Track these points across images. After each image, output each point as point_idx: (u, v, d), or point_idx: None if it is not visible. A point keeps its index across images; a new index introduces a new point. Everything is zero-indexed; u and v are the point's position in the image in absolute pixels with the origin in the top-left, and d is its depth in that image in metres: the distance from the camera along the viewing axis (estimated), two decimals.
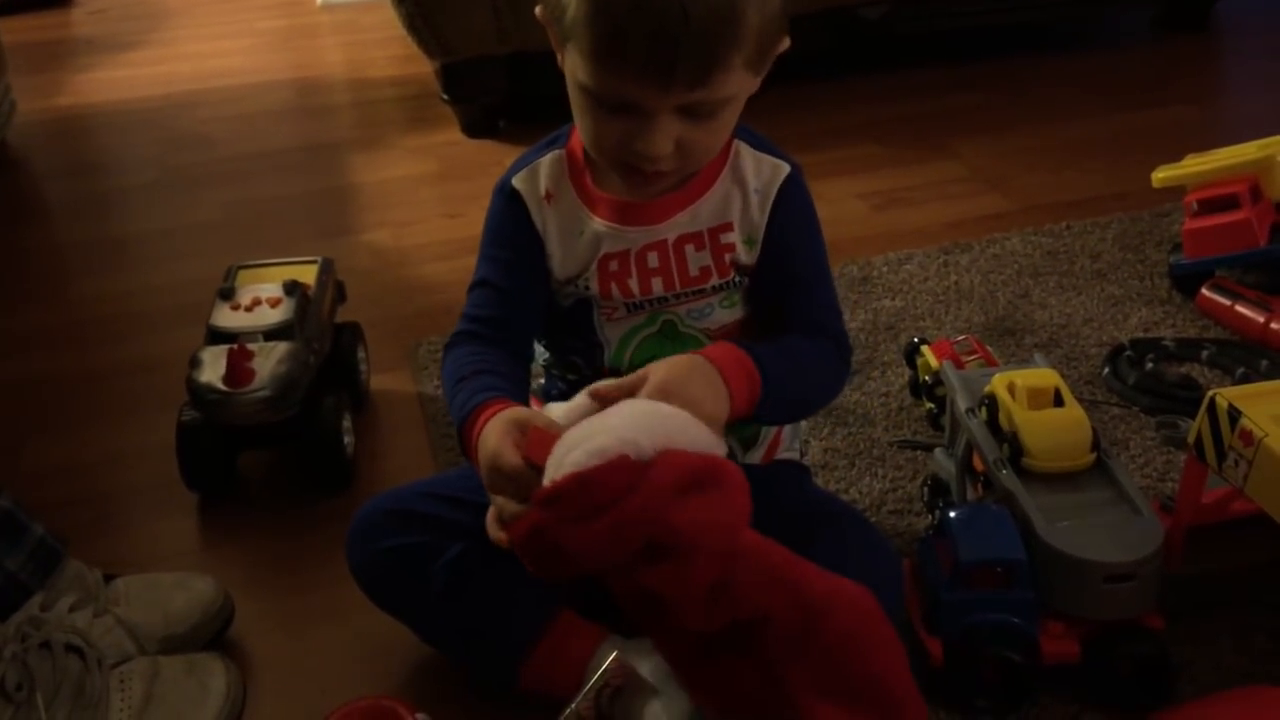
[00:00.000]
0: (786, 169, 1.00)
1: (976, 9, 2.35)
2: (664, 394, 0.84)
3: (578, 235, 1.01)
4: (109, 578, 1.10)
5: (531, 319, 1.04)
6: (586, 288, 1.01)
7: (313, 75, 2.74)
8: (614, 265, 1.00)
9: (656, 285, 1.00)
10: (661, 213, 0.99)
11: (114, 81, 2.70)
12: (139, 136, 2.40)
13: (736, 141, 1.00)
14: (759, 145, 1.01)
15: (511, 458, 0.83)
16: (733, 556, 0.78)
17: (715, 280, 1.00)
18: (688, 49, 0.82)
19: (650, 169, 0.92)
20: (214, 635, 1.10)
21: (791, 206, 1.00)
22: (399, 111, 2.46)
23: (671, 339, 1.02)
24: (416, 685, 1.06)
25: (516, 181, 1.02)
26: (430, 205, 2.01)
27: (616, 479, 0.76)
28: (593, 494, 0.76)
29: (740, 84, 0.89)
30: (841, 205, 1.89)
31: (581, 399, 0.87)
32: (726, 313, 1.02)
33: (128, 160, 2.31)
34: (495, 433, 0.86)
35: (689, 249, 1.00)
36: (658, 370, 0.87)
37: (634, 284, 1.00)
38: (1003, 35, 2.47)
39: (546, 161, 1.01)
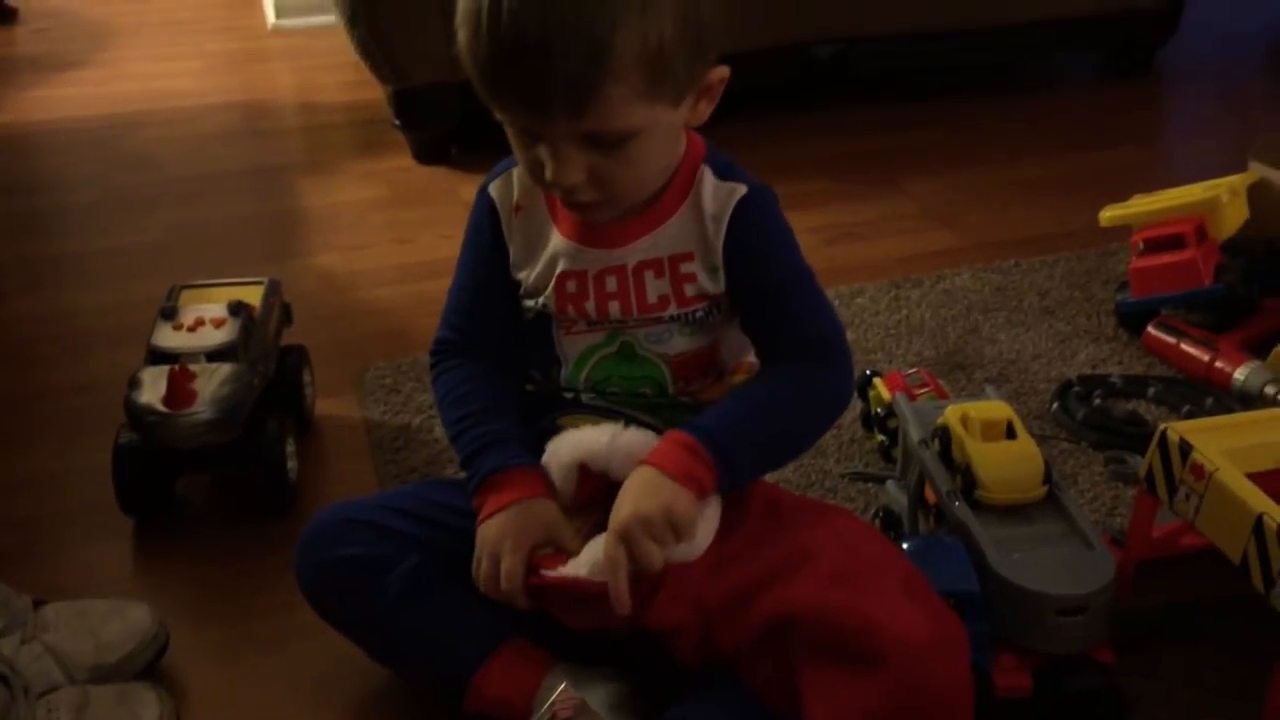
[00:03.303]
0: (742, 191, 0.98)
1: (927, 50, 2.38)
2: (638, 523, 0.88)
3: (542, 249, 1.00)
4: (38, 603, 1.07)
5: (505, 324, 1.04)
6: (545, 305, 1.00)
7: (262, 98, 2.71)
8: (571, 286, 0.99)
9: (614, 309, 0.99)
10: (622, 237, 0.98)
11: (57, 100, 2.65)
12: (82, 156, 2.35)
13: (703, 168, 0.98)
14: (725, 172, 0.99)
15: (519, 598, 0.92)
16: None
17: (674, 309, 0.99)
18: (556, 80, 0.83)
19: (567, 199, 0.92)
20: (147, 664, 1.07)
21: (747, 227, 0.97)
22: (349, 136, 2.43)
23: (629, 360, 1.01)
24: (357, 717, 1.03)
25: (493, 189, 1.02)
26: (380, 230, 1.98)
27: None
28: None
29: (646, 115, 0.87)
30: None
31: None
32: (686, 340, 1.00)
33: (70, 179, 2.26)
34: (510, 546, 0.92)
35: (648, 275, 0.98)
36: (623, 508, 0.89)
37: (590, 306, 0.99)
38: (953, 76, 2.50)
39: (520, 170, 1.00)
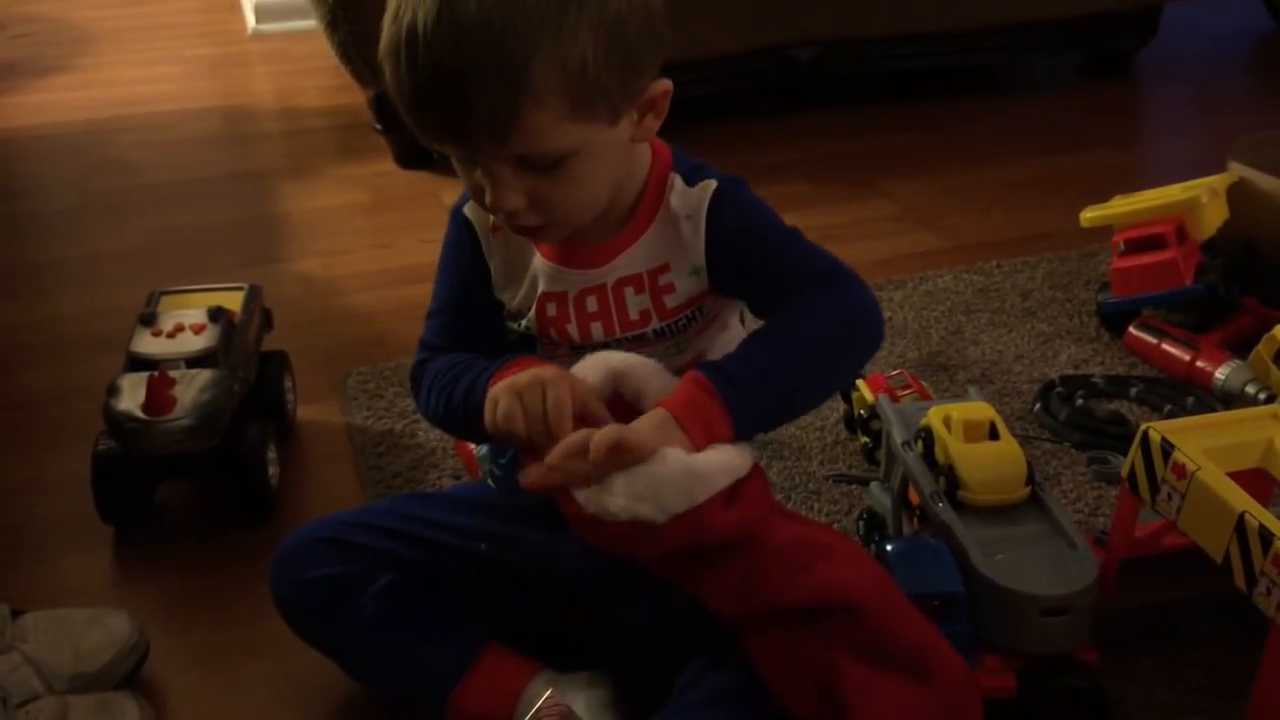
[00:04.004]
0: (712, 185, 0.96)
1: (907, 53, 2.39)
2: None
3: (523, 270, 0.99)
4: (16, 613, 1.06)
5: (490, 345, 1.02)
6: (529, 328, 1.00)
7: (242, 103, 2.70)
8: (552, 309, 0.98)
9: (596, 330, 0.98)
10: (601, 256, 0.97)
11: (36, 105, 2.64)
12: (60, 161, 2.34)
13: (672, 176, 0.97)
14: (692, 175, 0.98)
15: (598, 408, 0.88)
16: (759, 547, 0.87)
17: (655, 324, 0.98)
18: (477, 108, 0.82)
19: (512, 224, 0.92)
20: (127, 674, 1.06)
21: (728, 218, 0.96)
22: (330, 141, 2.43)
23: None
24: None
25: (468, 210, 1.01)
26: (361, 235, 1.97)
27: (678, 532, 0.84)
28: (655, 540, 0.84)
29: (577, 136, 0.86)
30: None
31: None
32: (671, 361, 0.99)
33: (48, 185, 2.25)
34: (552, 379, 0.87)
35: (628, 291, 0.98)
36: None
37: (573, 329, 0.98)
38: (933, 78, 2.51)
39: None
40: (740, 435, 0.88)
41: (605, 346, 0.98)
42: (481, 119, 0.83)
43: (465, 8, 0.80)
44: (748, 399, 0.88)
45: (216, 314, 1.30)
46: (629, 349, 0.97)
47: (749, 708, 0.89)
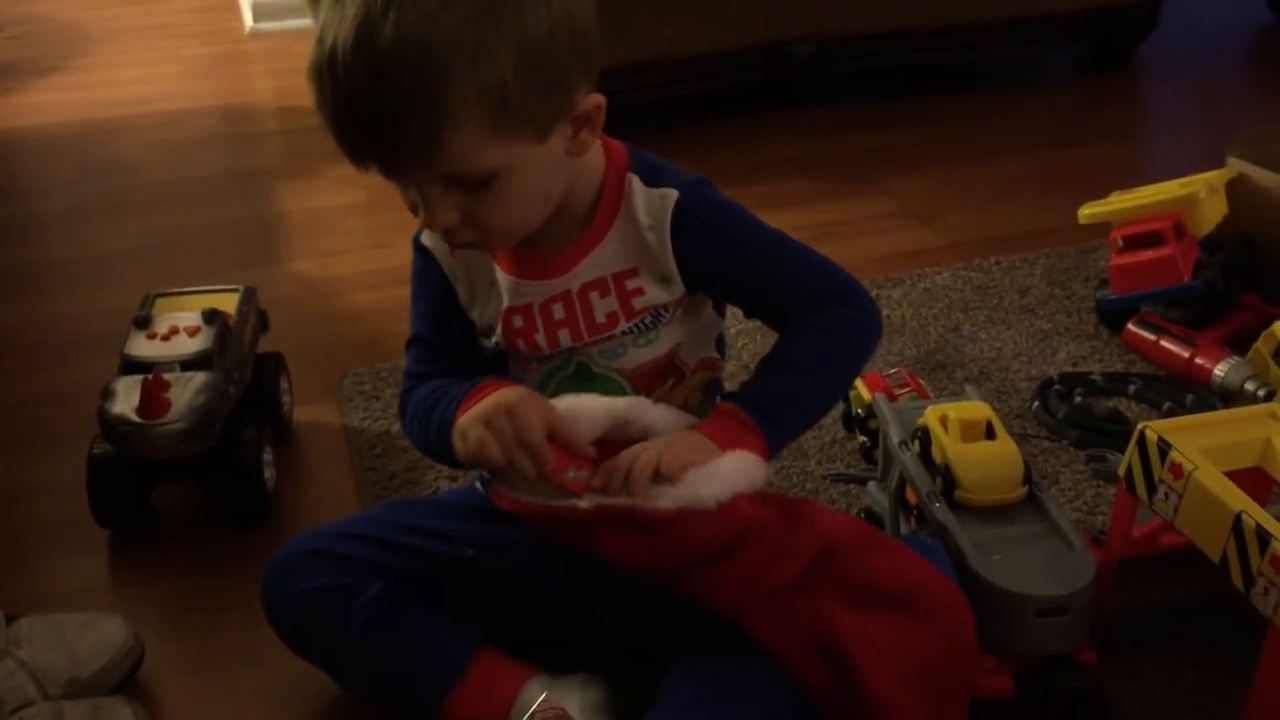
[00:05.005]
0: (674, 196, 0.95)
1: (905, 48, 2.38)
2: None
3: (489, 286, 1.00)
4: (11, 618, 1.05)
5: (471, 366, 1.02)
6: (498, 343, 1.00)
7: (240, 103, 2.70)
8: (518, 321, 0.98)
9: (564, 337, 0.98)
10: (561, 265, 0.97)
11: (32, 106, 2.64)
12: (57, 162, 2.33)
13: (629, 178, 0.97)
14: (651, 176, 0.97)
15: (562, 424, 0.91)
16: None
17: (624, 325, 0.98)
18: (396, 132, 0.82)
19: (449, 241, 0.93)
20: (122, 678, 1.06)
21: (693, 228, 0.95)
22: (327, 141, 2.36)
23: (587, 380, 1.00)
24: None
25: (425, 238, 1.01)
26: (358, 235, 1.97)
27: (715, 531, 0.88)
28: (693, 539, 0.88)
29: (503, 155, 0.86)
30: None
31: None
32: (641, 351, 0.99)
33: (44, 186, 2.25)
34: (524, 394, 0.91)
35: (594, 296, 0.97)
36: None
37: (541, 339, 0.98)
38: (931, 74, 2.50)
39: None
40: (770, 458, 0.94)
41: (573, 352, 0.99)
42: (402, 143, 0.83)
43: (381, 33, 0.80)
44: (776, 430, 0.94)
45: (211, 316, 1.30)
46: (600, 347, 0.99)
47: (734, 704, 0.89)
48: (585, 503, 0.88)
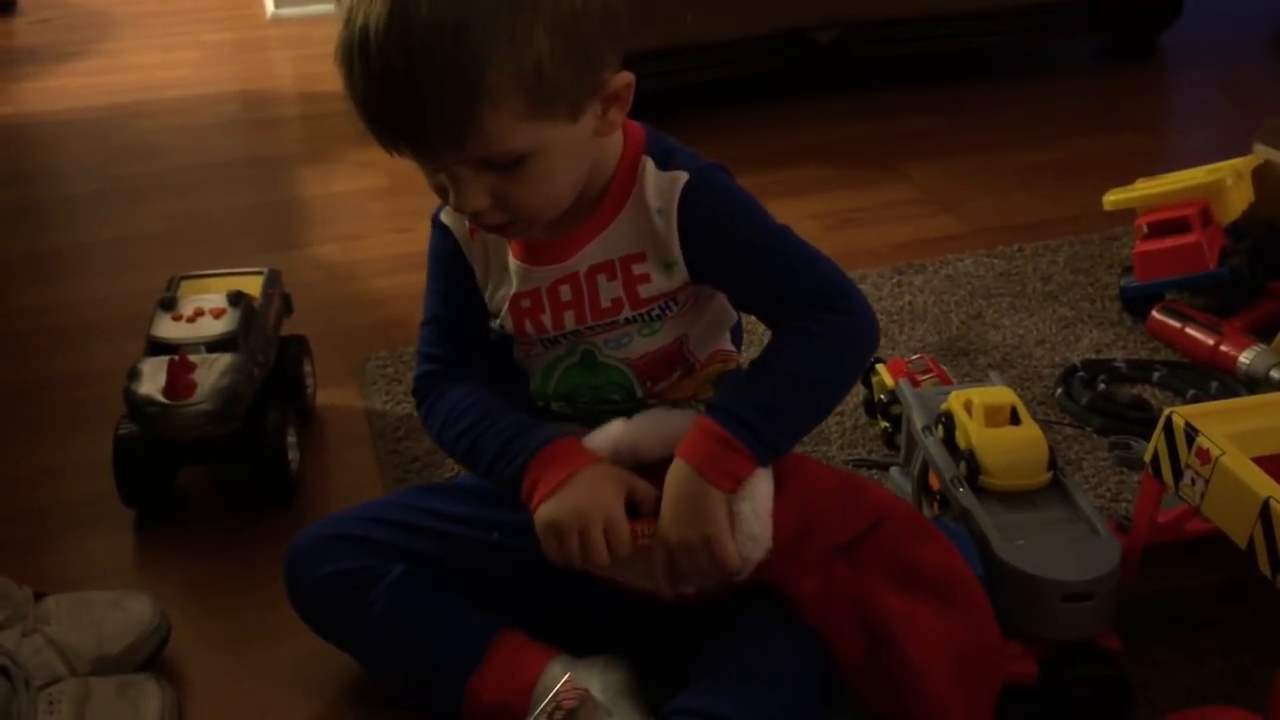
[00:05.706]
0: (684, 178, 0.94)
1: (927, 35, 2.37)
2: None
3: (501, 269, 0.99)
4: (39, 596, 1.06)
5: (488, 344, 1.02)
6: (503, 326, 1.00)
7: (261, 88, 2.71)
8: (525, 302, 0.98)
9: (569, 319, 0.98)
10: (569, 248, 0.96)
11: (56, 91, 2.65)
12: (81, 147, 2.35)
13: (644, 160, 0.96)
14: (666, 159, 0.96)
15: (642, 489, 0.92)
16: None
17: (628, 312, 0.97)
18: (431, 114, 0.81)
19: (478, 224, 0.92)
20: (149, 656, 1.06)
21: (700, 210, 0.94)
22: (349, 125, 2.42)
23: (592, 369, 1.00)
24: (359, 709, 1.03)
25: (445, 216, 1.01)
26: (379, 220, 1.98)
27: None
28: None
29: (536, 136, 0.85)
30: (794, 226, 1.84)
31: None
32: (647, 341, 0.99)
33: (69, 170, 2.26)
34: (611, 511, 0.90)
35: (601, 278, 0.97)
36: (668, 526, 0.90)
37: (546, 319, 0.98)
38: (954, 61, 2.49)
39: None
40: (770, 452, 0.92)
41: (577, 334, 0.99)
42: (436, 124, 0.82)
43: (416, 11, 0.79)
44: (762, 444, 0.90)
45: (236, 298, 1.30)
46: (605, 335, 0.98)
47: (761, 685, 0.90)
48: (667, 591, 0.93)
